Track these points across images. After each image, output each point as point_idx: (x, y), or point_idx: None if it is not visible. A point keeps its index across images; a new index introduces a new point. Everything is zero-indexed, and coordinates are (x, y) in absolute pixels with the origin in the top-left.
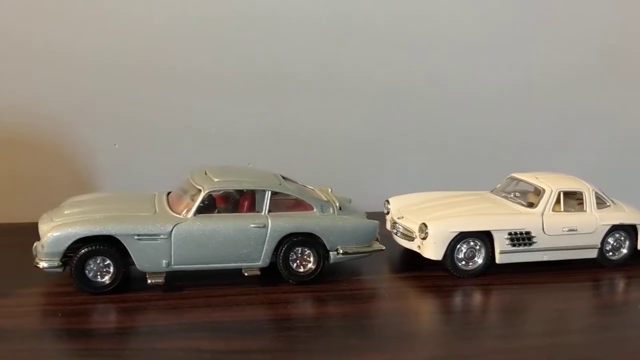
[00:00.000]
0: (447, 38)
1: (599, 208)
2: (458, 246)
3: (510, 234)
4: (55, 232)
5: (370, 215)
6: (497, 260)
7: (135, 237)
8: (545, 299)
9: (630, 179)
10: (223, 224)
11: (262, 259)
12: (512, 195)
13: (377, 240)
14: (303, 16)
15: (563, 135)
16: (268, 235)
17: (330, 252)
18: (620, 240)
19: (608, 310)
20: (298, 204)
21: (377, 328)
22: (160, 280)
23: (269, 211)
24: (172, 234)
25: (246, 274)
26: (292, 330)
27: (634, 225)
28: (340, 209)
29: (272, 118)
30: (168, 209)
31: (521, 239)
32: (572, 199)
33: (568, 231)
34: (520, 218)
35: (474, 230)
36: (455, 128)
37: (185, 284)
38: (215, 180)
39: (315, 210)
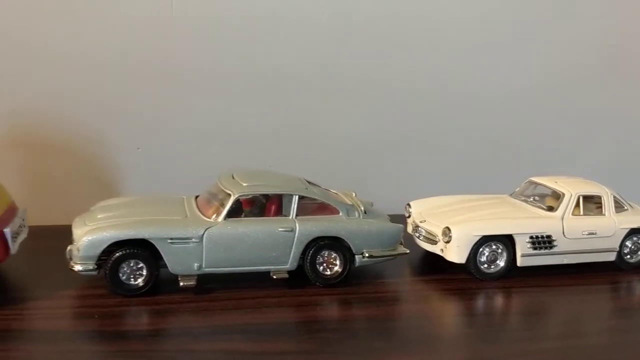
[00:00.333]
0: (460, 37)
1: (617, 212)
2: (481, 249)
3: (531, 237)
4: (90, 236)
5: (391, 219)
6: (519, 264)
7: (168, 241)
8: (565, 302)
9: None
10: (252, 227)
11: (290, 262)
12: (531, 199)
13: (400, 243)
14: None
15: (575, 138)
16: (296, 239)
17: (356, 256)
18: (638, 243)
19: (626, 312)
20: (324, 208)
21: (402, 331)
22: (192, 282)
23: (296, 215)
24: (203, 238)
25: (275, 277)
26: (321, 332)
27: None
28: (365, 212)
29: (291, 120)
30: (199, 212)
31: (542, 242)
32: (590, 203)
33: (587, 235)
34: (541, 222)
35: (496, 234)
36: (470, 131)
37: (215, 287)
38: (244, 184)
39: (341, 214)
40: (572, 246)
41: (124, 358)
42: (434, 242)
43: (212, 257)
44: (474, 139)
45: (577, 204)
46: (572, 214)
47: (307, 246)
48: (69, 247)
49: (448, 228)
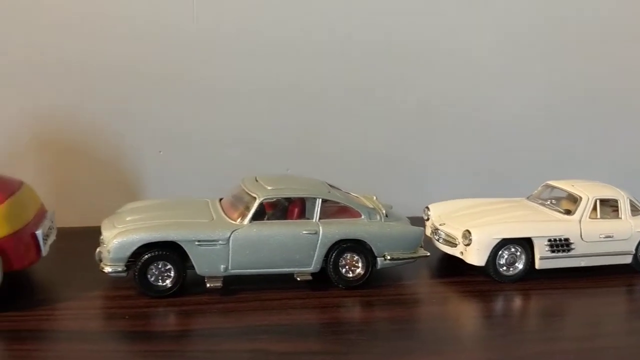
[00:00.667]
0: (475, 44)
1: (633, 215)
2: (500, 252)
3: (550, 240)
4: (121, 238)
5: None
6: (537, 266)
7: (196, 243)
8: (582, 304)
9: None
10: (277, 230)
11: (314, 265)
12: (548, 203)
13: (421, 246)
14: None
15: (589, 142)
16: (319, 241)
17: (378, 258)
18: None
19: None
20: (346, 211)
21: (427, 332)
22: (219, 284)
23: (320, 218)
24: (229, 240)
25: (298, 279)
26: (348, 333)
27: None
28: (386, 215)
29: (309, 123)
30: (224, 215)
31: (560, 245)
32: (606, 206)
33: (604, 238)
34: (559, 225)
35: (515, 237)
36: (485, 134)
37: (240, 288)
38: (269, 188)
39: (363, 217)
40: (590, 249)
41: (155, 358)
42: (454, 245)
43: (238, 259)
44: (488, 142)
45: (594, 208)
46: (589, 218)
47: (330, 249)
48: (98, 249)
49: (468, 231)
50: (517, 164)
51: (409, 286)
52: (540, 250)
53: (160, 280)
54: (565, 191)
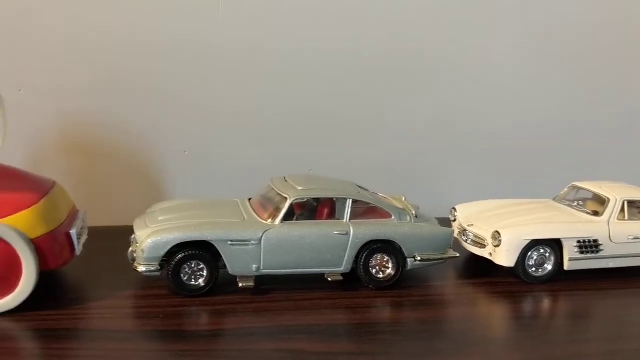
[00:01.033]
0: (505, 41)
1: None
2: (529, 253)
3: (579, 241)
4: (155, 237)
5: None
6: (566, 267)
7: (229, 243)
8: (611, 305)
9: None
10: (308, 230)
11: (344, 265)
12: (575, 204)
13: (450, 247)
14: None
15: (615, 142)
16: (350, 242)
17: (408, 259)
18: None
19: None
20: (376, 212)
21: (459, 333)
22: (251, 283)
23: (350, 219)
24: (262, 240)
25: (329, 279)
26: (381, 334)
27: None
28: (416, 216)
29: (336, 124)
30: (255, 215)
31: (589, 246)
32: (633, 208)
33: (633, 239)
34: (588, 226)
35: (545, 238)
36: (509, 135)
37: (272, 288)
38: (300, 188)
39: (393, 217)
40: (618, 250)
41: (192, 357)
42: (483, 246)
43: (270, 259)
44: (512, 144)
45: (622, 209)
46: (617, 219)
47: (361, 249)
48: (130, 249)
49: (498, 232)
50: (541, 165)
51: (437, 287)
52: (570, 251)
53: (193, 280)
54: (593, 192)
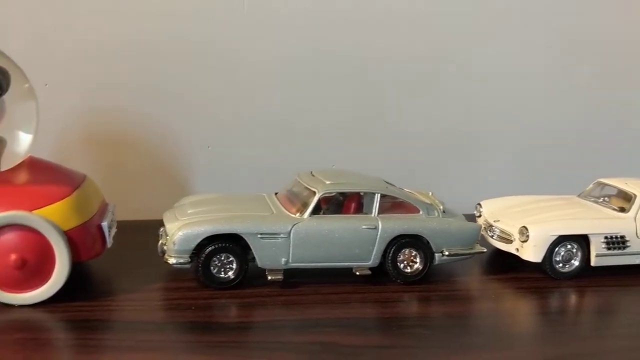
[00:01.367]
0: (528, 38)
1: None
2: (556, 249)
3: (606, 237)
4: (186, 230)
5: None
6: (593, 263)
7: (258, 236)
8: (638, 301)
9: None
10: (337, 224)
11: (373, 259)
12: (601, 200)
13: (477, 242)
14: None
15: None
16: (378, 236)
17: (436, 254)
18: None
19: None
20: (403, 207)
21: (488, 328)
22: (280, 277)
23: (378, 213)
24: (291, 234)
25: (357, 273)
26: (413, 328)
27: None
28: (444, 211)
29: (359, 120)
30: (283, 209)
31: (616, 242)
32: None
33: None
34: (615, 222)
35: (572, 234)
36: (534, 132)
37: (300, 281)
38: (328, 182)
39: (421, 212)
40: None
41: (224, 348)
42: (509, 242)
43: (299, 252)
44: (536, 140)
45: None
46: None
47: (389, 244)
48: (160, 242)
49: (525, 227)
50: (564, 161)
51: (463, 282)
52: (597, 247)
53: (222, 272)
54: (618, 189)
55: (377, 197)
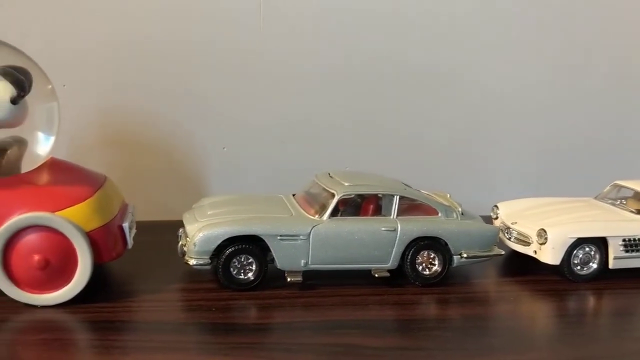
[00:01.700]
0: (541, 41)
1: None
2: (575, 251)
3: (624, 240)
4: (206, 231)
5: None
6: (611, 266)
7: (278, 237)
8: None
9: None
10: (356, 226)
11: (392, 261)
12: (618, 202)
13: (495, 244)
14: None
15: None
16: (397, 238)
17: (454, 256)
18: None
19: None
20: (421, 209)
21: (507, 330)
22: (299, 278)
23: (397, 215)
24: (310, 235)
25: (376, 275)
26: (433, 330)
27: None
28: (462, 214)
29: (374, 122)
30: (302, 211)
31: (634, 245)
32: None
33: None
34: (634, 225)
35: (591, 237)
36: (546, 134)
37: (319, 283)
38: (347, 184)
39: (440, 214)
40: None
41: (246, 349)
42: (527, 244)
43: (318, 254)
44: (552, 142)
45: None
46: None
47: (407, 246)
48: (180, 243)
49: (543, 230)
50: (580, 163)
51: (482, 284)
52: (615, 249)
53: (242, 274)
54: (635, 191)
55: (396, 199)
